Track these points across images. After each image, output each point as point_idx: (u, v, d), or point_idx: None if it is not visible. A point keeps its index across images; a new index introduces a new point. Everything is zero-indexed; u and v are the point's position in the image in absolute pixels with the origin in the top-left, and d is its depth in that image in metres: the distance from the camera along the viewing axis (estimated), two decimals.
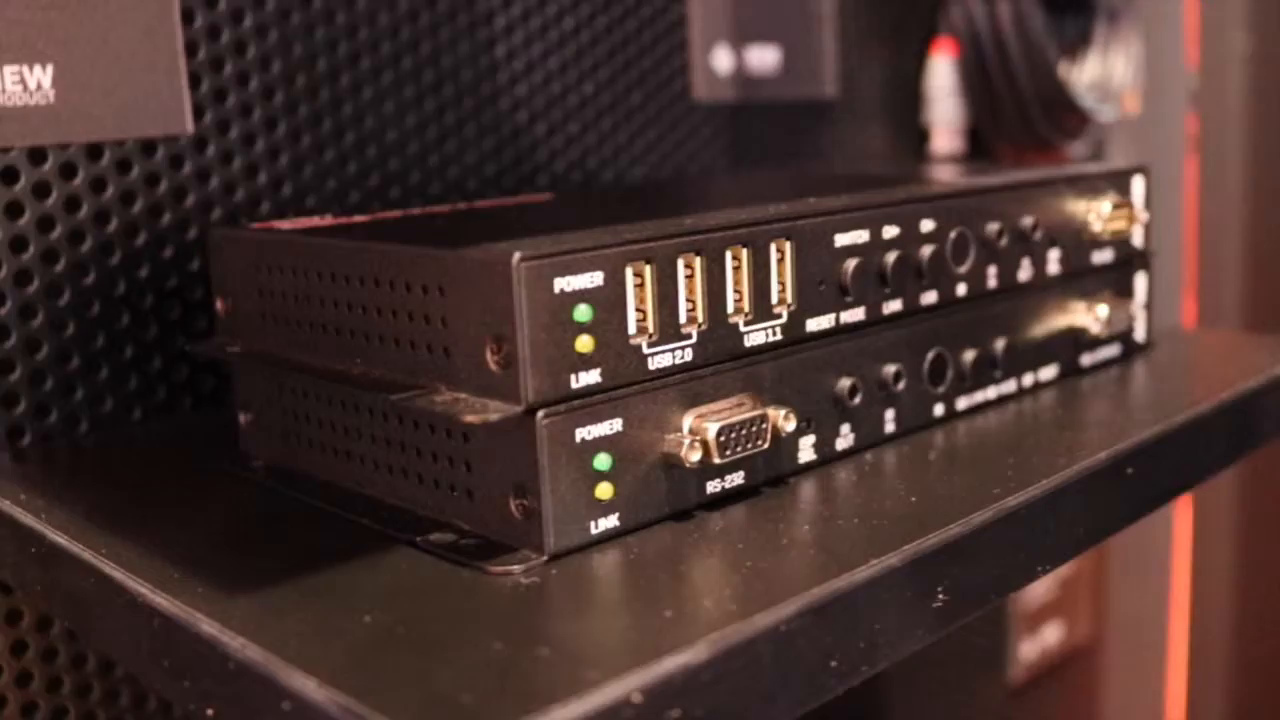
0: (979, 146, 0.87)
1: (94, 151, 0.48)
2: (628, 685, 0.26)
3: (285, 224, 0.44)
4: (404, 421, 0.37)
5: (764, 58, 0.74)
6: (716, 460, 0.36)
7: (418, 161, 0.58)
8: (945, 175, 0.52)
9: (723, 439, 0.36)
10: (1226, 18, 1.07)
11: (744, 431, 0.36)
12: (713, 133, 0.72)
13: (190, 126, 0.51)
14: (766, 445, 0.37)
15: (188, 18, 0.50)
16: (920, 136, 0.86)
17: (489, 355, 0.33)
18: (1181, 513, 1.13)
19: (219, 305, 0.44)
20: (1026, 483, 0.37)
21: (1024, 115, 0.85)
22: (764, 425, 0.37)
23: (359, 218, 0.45)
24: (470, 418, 0.32)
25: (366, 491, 0.39)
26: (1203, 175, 1.13)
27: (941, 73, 0.84)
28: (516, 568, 0.33)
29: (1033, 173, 0.48)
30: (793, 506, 0.37)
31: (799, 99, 0.77)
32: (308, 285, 0.39)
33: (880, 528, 0.34)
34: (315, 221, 0.45)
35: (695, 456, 0.35)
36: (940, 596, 0.33)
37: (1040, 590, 1.03)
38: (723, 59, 0.72)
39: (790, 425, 0.38)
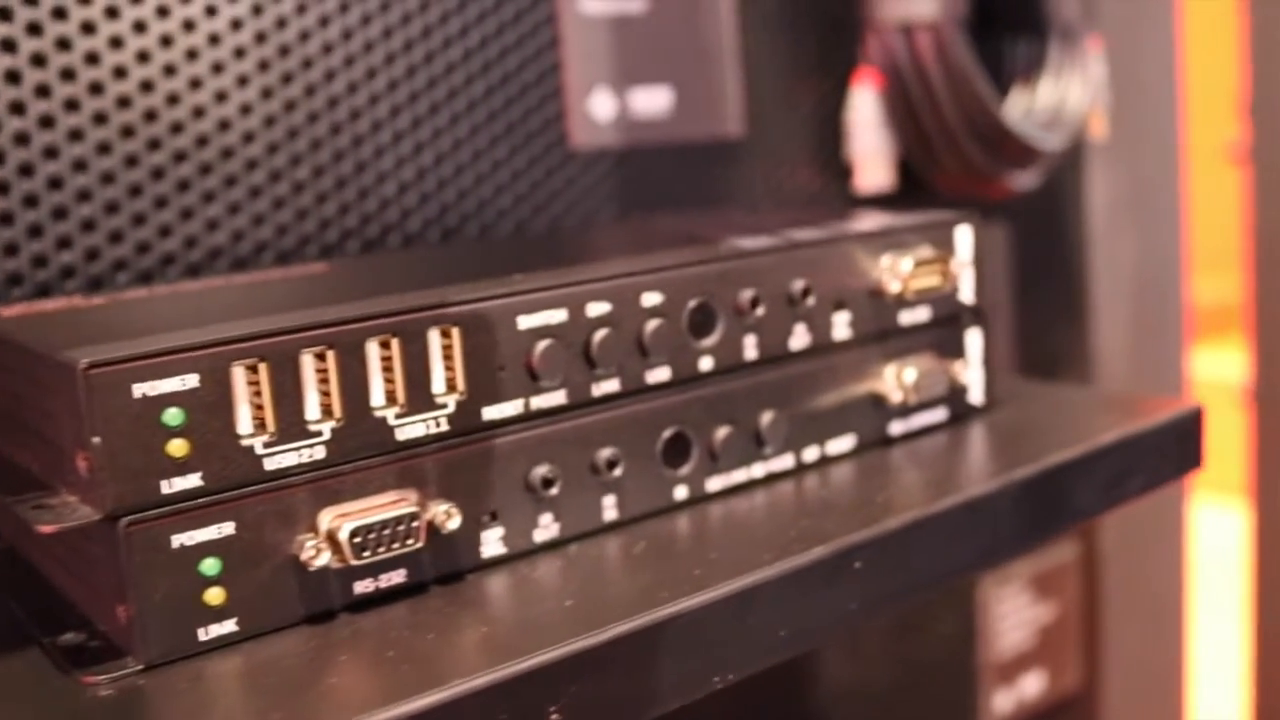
0: (911, 180, 0.83)
1: None
2: None
3: (13, 309, 0.43)
4: None
5: (652, 99, 0.72)
6: (354, 562, 0.34)
7: (271, 214, 0.57)
8: (748, 236, 0.49)
9: (358, 540, 0.34)
10: None
11: (387, 531, 0.34)
12: (594, 181, 0.70)
13: None
14: (420, 543, 0.35)
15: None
16: (844, 171, 0.82)
17: (80, 459, 0.32)
18: (1194, 540, 1.07)
19: None
20: (704, 585, 0.35)
21: (956, 147, 0.81)
22: (414, 523, 0.35)
23: (78, 300, 0.44)
24: (43, 527, 0.31)
25: (55, 581, 0.38)
26: (1259, 188, 1.06)
27: (863, 106, 0.80)
28: (103, 677, 0.31)
29: (810, 232, 0.45)
30: (439, 610, 0.35)
31: (696, 140, 0.74)
32: None
33: (498, 638, 0.32)
34: (38, 305, 0.44)
35: (321, 560, 0.33)
36: (552, 716, 0.31)
37: (1015, 637, 0.98)
38: (603, 104, 0.70)
39: (454, 521, 0.36)
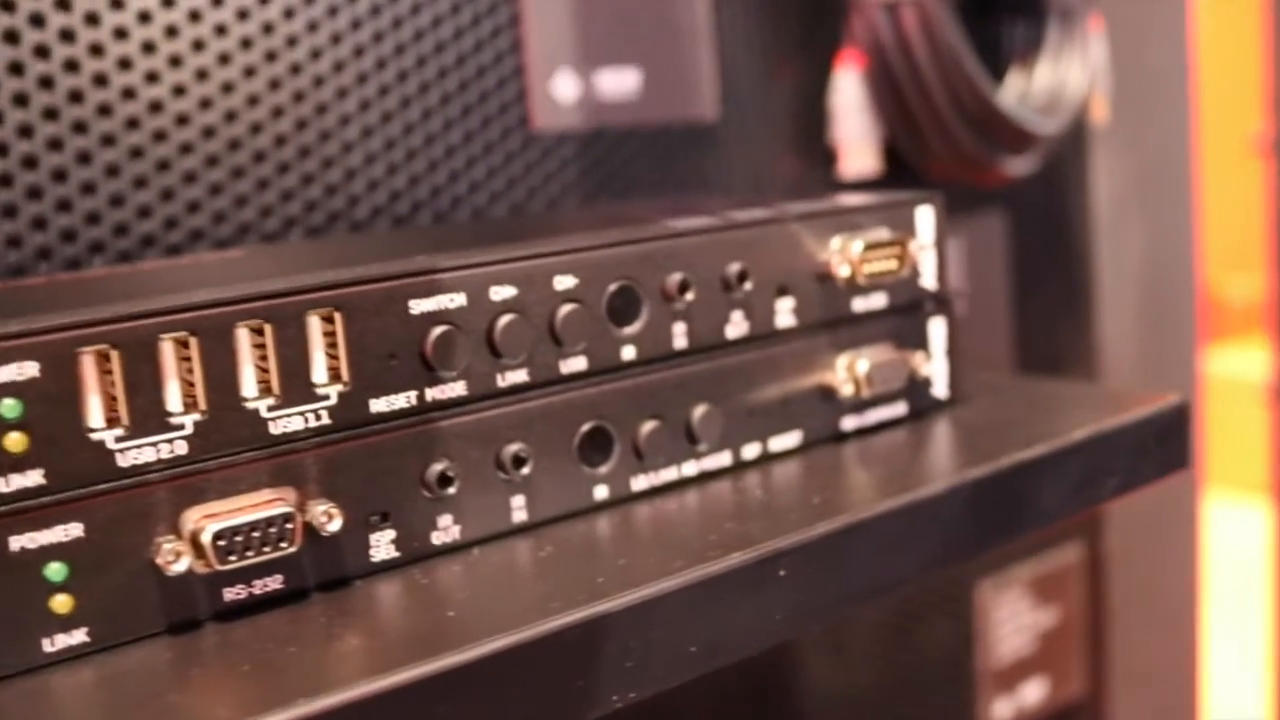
0: (900, 167, 0.80)
1: None
2: None
3: None
4: None
5: (620, 81, 0.69)
6: (219, 567, 0.31)
7: (208, 199, 0.55)
8: (688, 217, 0.46)
9: (223, 543, 0.31)
10: None
11: (257, 534, 0.32)
12: (558, 165, 0.67)
13: None
14: (296, 547, 0.32)
15: None
16: (828, 157, 0.79)
17: None
18: (1208, 538, 1.02)
19: None
20: (602, 595, 0.32)
21: (945, 132, 0.77)
22: (289, 525, 0.32)
23: None
24: None
25: None
26: None
27: (847, 88, 0.77)
28: None
29: (751, 213, 0.42)
30: (314, 620, 0.32)
31: (668, 123, 0.71)
32: None
33: (361, 654, 0.29)
34: None
35: (180, 565, 0.31)
36: None
37: (1015, 643, 0.95)
38: (566, 85, 0.67)
39: (335, 523, 0.33)
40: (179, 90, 0.50)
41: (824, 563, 0.36)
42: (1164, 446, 0.48)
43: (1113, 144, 0.94)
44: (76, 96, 0.48)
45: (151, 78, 0.50)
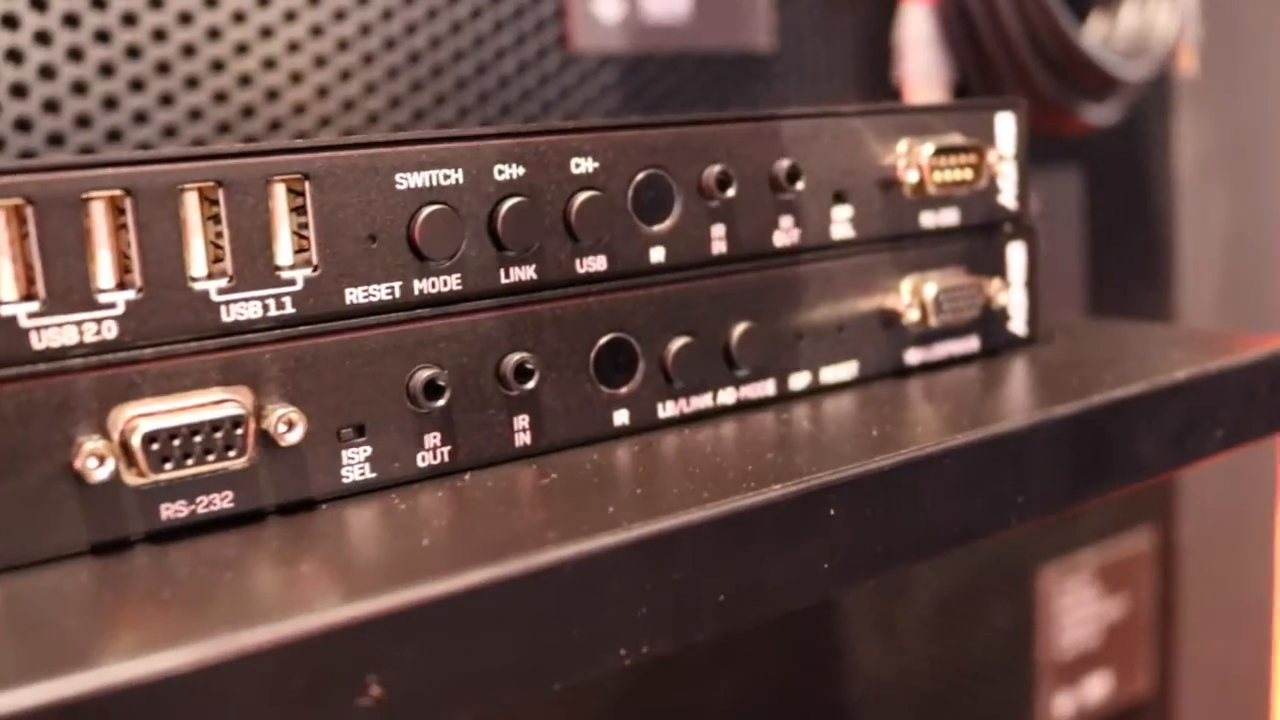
0: None
1: None
2: None
3: None
4: None
5: (668, 3, 0.63)
6: (153, 477, 0.26)
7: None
8: None
9: (156, 446, 0.26)
10: None
11: (199, 438, 0.26)
12: (600, 89, 0.61)
13: None
14: (245, 457, 0.27)
15: None
16: (892, 96, 0.73)
17: None
18: None
19: None
20: (611, 526, 0.26)
21: (1021, 72, 0.71)
22: (238, 430, 0.27)
23: None
24: None
25: None
26: None
27: (915, 22, 0.71)
28: None
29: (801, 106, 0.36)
30: (266, 544, 0.27)
31: (720, 51, 0.65)
32: None
33: (311, 581, 0.24)
34: None
35: (103, 472, 0.25)
36: (370, 691, 0.23)
37: (1079, 634, 0.88)
38: (607, 3, 0.61)
39: (294, 432, 0.27)
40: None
41: (882, 503, 0.30)
42: (1278, 395, 0.41)
43: (1200, 100, 0.87)
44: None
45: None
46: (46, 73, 0.42)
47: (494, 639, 0.24)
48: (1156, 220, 0.87)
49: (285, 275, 0.28)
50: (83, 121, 0.42)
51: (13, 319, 0.25)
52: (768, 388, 0.36)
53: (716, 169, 0.34)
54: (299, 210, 0.28)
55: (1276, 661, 0.98)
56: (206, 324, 0.27)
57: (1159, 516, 0.88)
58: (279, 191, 0.28)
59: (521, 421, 0.31)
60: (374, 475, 0.29)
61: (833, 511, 0.29)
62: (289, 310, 0.28)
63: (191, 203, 0.27)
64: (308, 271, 0.28)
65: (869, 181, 0.37)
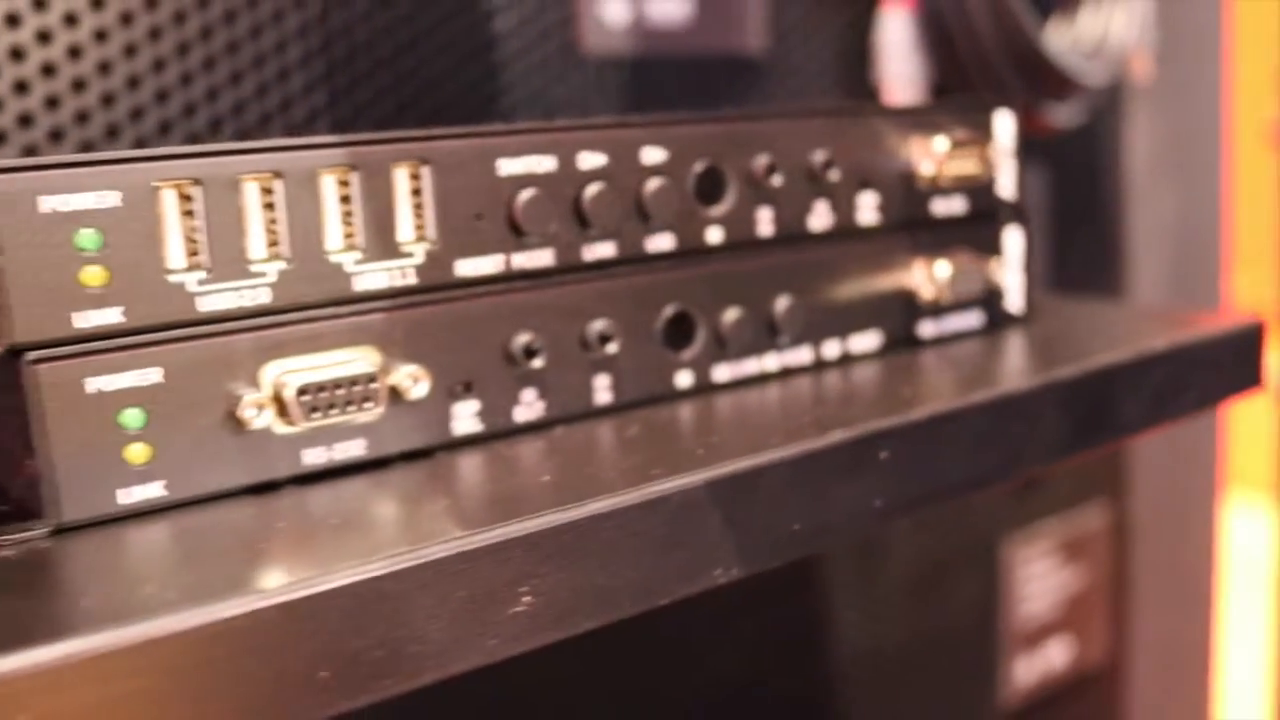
0: None
1: None
2: None
3: None
4: None
5: (669, 8, 0.67)
6: (301, 425, 0.30)
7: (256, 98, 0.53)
8: None
9: (307, 398, 0.29)
10: None
11: (341, 391, 0.30)
12: (606, 90, 0.65)
13: None
14: (381, 409, 0.30)
15: None
16: (871, 97, 0.77)
17: None
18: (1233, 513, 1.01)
19: None
20: (706, 463, 0.30)
21: (991, 75, 0.76)
22: (373, 385, 0.30)
23: None
24: None
25: None
26: None
27: (894, 27, 0.75)
28: (6, 539, 0.27)
29: (833, 102, 0.41)
30: (398, 484, 0.30)
31: (714, 53, 0.69)
32: None
33: (464, 510, 0.28)
34: None
35: (263, 420, 0.29)
36: (524, 599, 0.26)
37: (1042, 603, 0.93)
38: (615, 8, 0.65)
39: (420, 388, 0.31)
40: None
41: (924, 448, 0.34)
42: (1240, 364, 0.46)
43: (1151, 104, 0.93)
44: None
45: None
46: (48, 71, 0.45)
47: (615, 560, 0.28)
48: (1112, 212, 0.93)
49: (406, 249, 0.31)
50: (81, 118, 0.45)
51: (182, 284, 0.28)
52: (805, 355, 0.40)
53: (765, 158, 0.38)
54: (417, 192, 0.32)
55: (1216, 644, 1.04)
56: (342, 291, 0.31)
57: (1113, 492, 0.93)
58: (401, 175, 0.31)
59: (603, 380, 0.35)
60: (481, 428, 0.33)
61: (883, 455, 0.33)
62: (411, 280, 0.32)
63: (328, 185, 0.30)
64: (426, 245, 0.32)
65: (890, 172, 0.41)
